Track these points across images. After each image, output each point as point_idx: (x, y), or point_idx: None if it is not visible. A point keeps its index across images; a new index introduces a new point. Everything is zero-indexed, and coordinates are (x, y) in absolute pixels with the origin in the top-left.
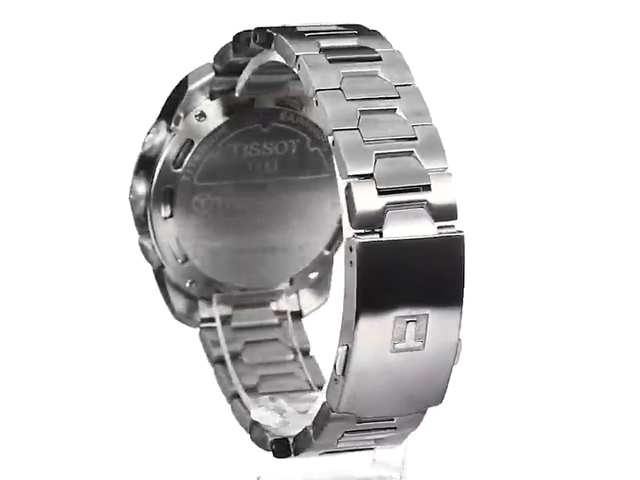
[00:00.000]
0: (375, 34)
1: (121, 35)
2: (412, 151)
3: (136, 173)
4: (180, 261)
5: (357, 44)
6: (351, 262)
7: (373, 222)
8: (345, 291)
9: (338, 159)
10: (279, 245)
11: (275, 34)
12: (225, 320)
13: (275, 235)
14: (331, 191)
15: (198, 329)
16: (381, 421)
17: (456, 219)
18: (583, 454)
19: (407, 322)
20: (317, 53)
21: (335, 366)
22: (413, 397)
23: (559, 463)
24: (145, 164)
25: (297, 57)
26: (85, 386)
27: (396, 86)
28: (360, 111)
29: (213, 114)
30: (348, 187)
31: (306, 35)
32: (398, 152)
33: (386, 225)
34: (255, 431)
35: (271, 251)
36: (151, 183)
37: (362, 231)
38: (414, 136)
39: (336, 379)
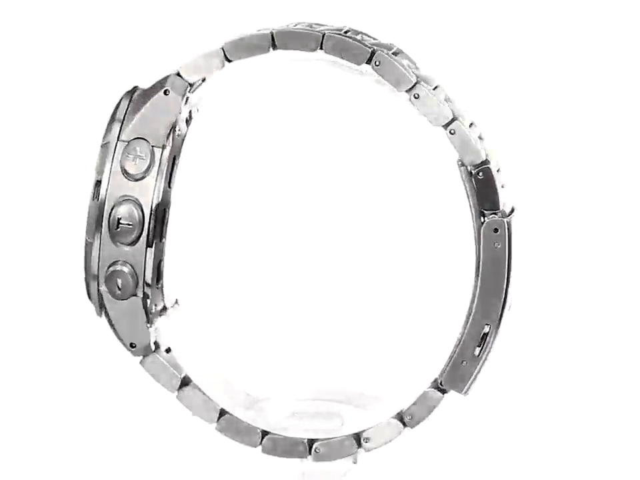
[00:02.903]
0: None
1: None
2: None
3: (126, 199)
4: (158, 285)
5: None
6: (495, 243)
7: (502, 204)
8: (488, 271)
9: (466, 147)
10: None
11: (374, 49)
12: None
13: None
14: None
15: (141, 358)
16: None
17: None
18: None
19: None
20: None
21: (464, 348)
22: None
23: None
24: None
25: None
26: None
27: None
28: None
29: (182, 128)
30: (486, 172)
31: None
32: (479, 137)
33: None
34: (269, 440)
35: None
36: (151, 205)
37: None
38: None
39: (463, 361)
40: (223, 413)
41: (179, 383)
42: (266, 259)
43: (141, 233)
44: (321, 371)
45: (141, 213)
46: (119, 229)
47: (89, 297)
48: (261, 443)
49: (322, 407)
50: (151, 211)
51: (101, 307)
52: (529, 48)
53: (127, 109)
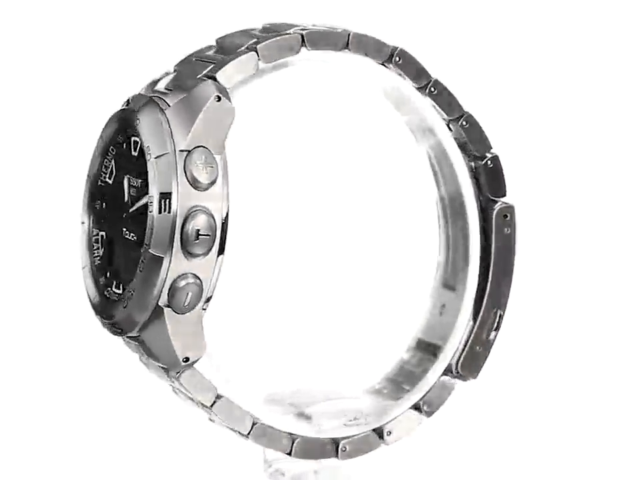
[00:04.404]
0: None
1: None
2: None
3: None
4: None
5: None
6: (506, 229)
7: None
8: (499, 257)
9: (481, 135)
10: None
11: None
12: None
13: None
14: None
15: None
16: None
17: None
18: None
19: None
20: None
21: (478, 334)
22: None
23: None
24: None
25: None
26: None
27: None
28: None
29: None
30: (495, 160)
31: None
32: None
33: None
34: (299, 444)
35: None
36: (222, 214)
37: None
38: None
39: (478, 347)
40: (255, 421)
41: (215, 396)
42: (286, 260)
43: (213, 243)
44: (334, 370)
45: (214, 222)
46: (198, 240)
47: (110, 317)
48: (291, 447)
49: (339, 405)
50: (222, 219)
51: (145, 324)
52: (528, 47)
53: (167, 119)
